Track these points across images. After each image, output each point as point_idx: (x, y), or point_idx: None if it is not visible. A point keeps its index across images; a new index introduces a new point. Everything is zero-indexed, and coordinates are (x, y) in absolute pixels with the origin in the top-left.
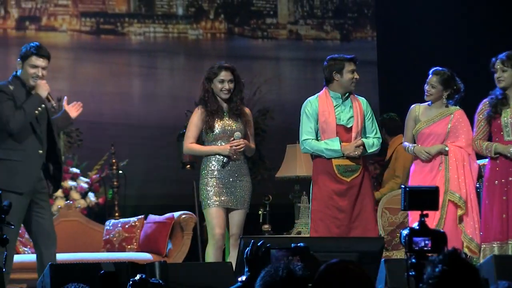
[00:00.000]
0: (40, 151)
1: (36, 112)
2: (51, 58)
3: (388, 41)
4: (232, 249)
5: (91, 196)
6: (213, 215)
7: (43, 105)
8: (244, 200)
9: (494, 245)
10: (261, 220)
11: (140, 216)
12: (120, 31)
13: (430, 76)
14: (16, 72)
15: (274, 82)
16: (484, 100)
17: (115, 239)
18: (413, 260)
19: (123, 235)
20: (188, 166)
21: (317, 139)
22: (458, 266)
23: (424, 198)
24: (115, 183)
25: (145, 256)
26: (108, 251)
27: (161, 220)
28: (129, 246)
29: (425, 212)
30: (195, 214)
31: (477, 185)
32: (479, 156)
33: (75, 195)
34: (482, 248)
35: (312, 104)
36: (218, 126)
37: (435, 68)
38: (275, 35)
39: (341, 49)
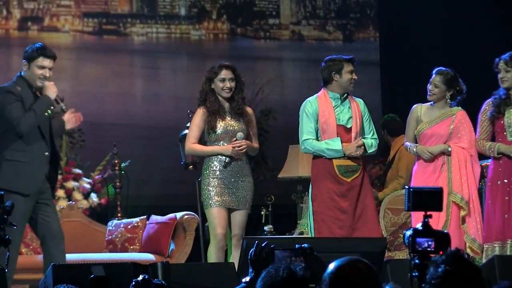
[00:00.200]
0: (46, 153)
1: (46, 114)
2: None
3: (391, 41)
4: (234, 250)
5: (93, 196)
6: (215, 215)
7: (52, 107)
8: (246, 200)
9: (495, 245)
10: (263, 221)
11: (142, 217)
12: (122, 32)
13: (434, 75)
14: (21, 73)
15: (276, 82)
16: (488, 100)
17: (117, 239)
18: (417, 261)
19: (125, 235)
20: (191, 166)
21: (317, 139)
22: (461, 266)
23: (428, 199)
24: (117, 183)
25: (148, 257)
26: (110, 251)
27: (163, 220)
28: (131, 247)
29: (428, 213)
30: (197, 215)
31: (480, 185)
32: (482, 157)
33: (77, 195)
34: (484, 249)
35: (312, 104)
36: (220, 126)
37: (438, 68)
38: (278, 35)
39: (344, 49)
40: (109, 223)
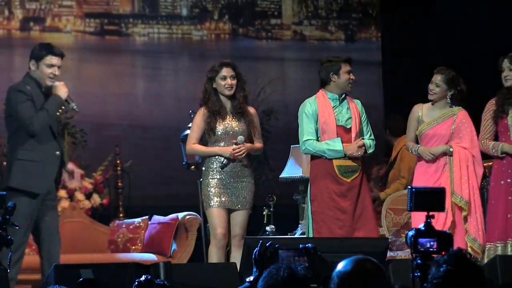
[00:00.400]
0: (57, 153)
1: (57, 113)
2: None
3: (393, 41)
4: (236, 250)
5: (95, 197)
6: (215, 215)
7: (63, 107)
8: (246, 201)
9: (498, 244)
10: (265, 221)
11: (144, 217)
12: (124, 32)
13: (435, 75)
14: (29, 72)
15: (278, 82)
16: (491, 99)
17: (119, 239)
18: (419, 261)
19: (127, 236)
20: (193, 166)
21: (317, 139)
22: (463, 266)
23: (430, 199)
24: (119, 184)
25: (150, 257)
26: (112, 251)
27: (165, 220)
28: (133, 247)
29: (431, 213)
30: (199, 215)
31: (482, 185)
32: (485, 156)
33: (79, 196)
34: (486, 248)
35: (312, 105)
36: (220, 127)
37: (439, 67)
38: (280, 35)
39: (346, 49)
40: (111, 224)
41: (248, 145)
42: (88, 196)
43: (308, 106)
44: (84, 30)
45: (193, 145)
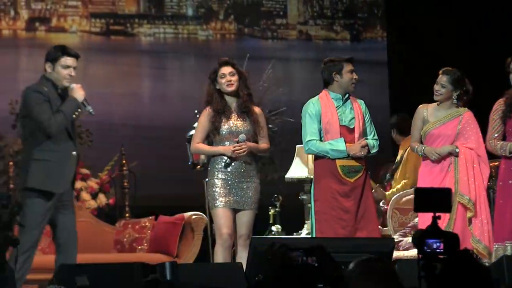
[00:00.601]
0: (74, 153)
1: (74, 116)
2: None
3: (398, 41)
4: (241, 250)
5: (101, 196)
6: (220, 215)
7: (79, 110)
8: (251, 201)
9: (507, 244)
10: (271, 221)
11: (150, 217)
12: (130, 32)
13: (440, 75)
14: (44, 74)
15: (284, 82)
16: (499, 99)
17: (125, 239)
18: (425, 262)
19: (133, 235)
20: (198, 166)
21: (320, 140)
22: (470, 266)
23: (436, 200)
24: (125, 183)
25: (156, 257)
26: (118, 251)
27: (171, 220)
28: (139, 247)
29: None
30: (205, 215)
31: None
32: (491, 156)
33: (85, 195)
34: (494, 249)
35: (315, 105)
36: (225, 126)
37: (445, 68)
38: (285, 35)
39: (351, 49)
40: (117, 223)
41: (251, 144)
42: (94, 196)
43: (311, 107)
44: (90, 30)
45: (198, 145)
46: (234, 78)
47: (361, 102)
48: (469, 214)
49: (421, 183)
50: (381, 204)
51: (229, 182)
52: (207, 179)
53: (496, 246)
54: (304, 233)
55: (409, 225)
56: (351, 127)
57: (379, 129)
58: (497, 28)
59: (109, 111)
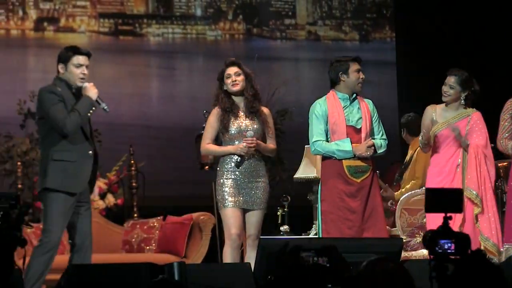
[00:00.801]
0: (90, 152)
1: (89, 114)
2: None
3: (407, 41)
4: (250, 250)
5: (109, 197)
6: (229, 215)
7: (93, 108)
8: (260, 201)
9: None
10: (279, 221)
11: (158, 217)
12: (138, 32)
13: (448, 77)
14: (58, 75)
15: (292, 83)
16: (510, 99)
17: (133, 240)
18: (437, 262)
19: (141, 236)
20: (207, 167)
21: (327, 140)
22: (482, 266)
23: (447, 200)
24: (133, 184)
25: (164, 257)
26: (127, 252)
27: (179, 221)
28: (147, 247)
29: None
30: (213, 215)
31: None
32: (500, 156)
33: (93, 196)
34: (505, 248)
35: (322, 106)
36: (233, 126)
37: (453, 69)
38: (294, 36)
39: (360, 50)
40: (126, 224)
41: (259, 142)
42: (103, 196)
43: (318, 107)
44: (98, 30)
45: (207, 145)
46: (240, 78)
47: (368, 102)
48: (476, 211)
49: (430, 184)
50: (389, 204)
51: (238, 182)
52: (216, 179)
53: (507, 246)
54: (312, 233)
55: (417, 225)
56: (358, 127)
57: (387, 129)
58: (505, 29)
59: (117, 111)
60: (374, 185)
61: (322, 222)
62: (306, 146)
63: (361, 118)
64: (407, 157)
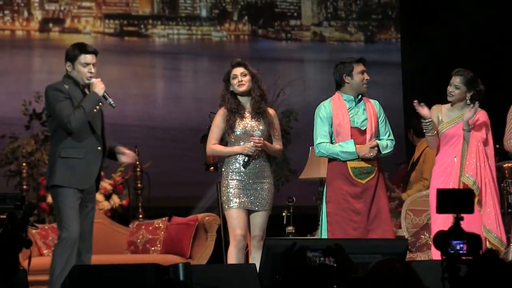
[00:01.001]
0: (99, 148)
1: (95, 110)
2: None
3: (412, 42)
4: (255, 251)
5: (115, 198)
6: (234, 216)
7: (100, 104)
8: (266, 202)
9: None
10: (285, 222)
11: (163, 218)
12: (143, 33)
13: (453, 77)
14: (67, 73)
15: (298, 84)
16: None
17: (139, 240)
18: (449, 263)
19: (147, 236)
20: (212, 167)
21: (331, 142)
22: (495, 266)
23: (458, 201)
24: (138, 185)
25: (169, 258)
26: (132, 253)
27: (184, 221)
28: (153, 248)
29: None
30: (218, 216)
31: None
32: (505, 157)
33: (99, 197)
34: None
35: (326, 108)
36: (239, 126)
37: (458, 69)
38: (299, 37)
39: (365, 51)
40: (131, 225)
41: (266, 142)
42: (108, 197)
43: (323, 110)
44: (104, 31)
45: (213, 146)
46: (246, 79)
47: (375, 103)
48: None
49: (434, 183)
50: (396, 204)
51: (244, 183)
52: (220, 180)
53: None
54: (318, 234)
55: (422, 226)
56: (363, 128)
57: (393, 130)
58: (510, 29)
59: (122, 112)
60: (380, 186)
61: (327, 224)
62: (311, 147)
63: (366, 119)
64: (414, 158)
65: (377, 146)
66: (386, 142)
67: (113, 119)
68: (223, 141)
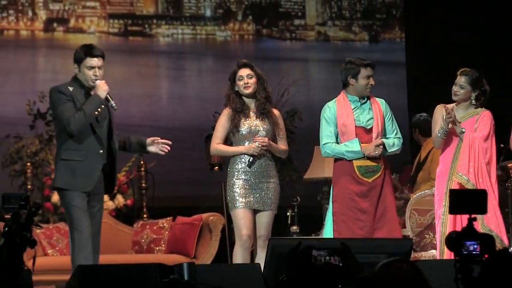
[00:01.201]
0: (101, 151)
1: (96, 113)
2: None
3: (417, 42)
4: (260, 251)
5: (119, 197)
6: (240, 216)
7: (102, 106)
8: (271, 201)
9: None
10: (289, 222)
11: (168, 218)
12: (148, 33)
13: (458, 76)
14: (75, 75)
15: (302, 83)
16: None
17: (143, 240)
18: (462, 264)
19: (151, 236)
20: (216, 167)
21: (337, 142)
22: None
23: (471, 201)
24: (143, 184)
25: (174, 258)
26: (136, 252)
27: (189, 221)
28: (157, 248)
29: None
30: (223, 216)
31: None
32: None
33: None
34: None
35: (331, 109)
36: (244, 126)
37: (463, 69)
38: (303, 36)
39: (370, 50)
40: (135, 224)
41: (271, 142)
42: (112, 197)
43: (327, 110)
44: (108, 31)
45: (218, 145)
46: (252, 81)
47: (381, 101)
48: None
49: (439, 182)
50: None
51: (249, 183)
52: (226, 180)
53: None
54: (322, 234)
55: (426, 225)
56: (368, 127)
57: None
58: None
59: (127, 112)
60: (386, 184)
61: (333, 223)
62: (316, 146)
63: (372, 118)
64: (421, 158)
65: (383, 144)
66: (393, 140)
67: (118, 119)
68: (227, 141)
